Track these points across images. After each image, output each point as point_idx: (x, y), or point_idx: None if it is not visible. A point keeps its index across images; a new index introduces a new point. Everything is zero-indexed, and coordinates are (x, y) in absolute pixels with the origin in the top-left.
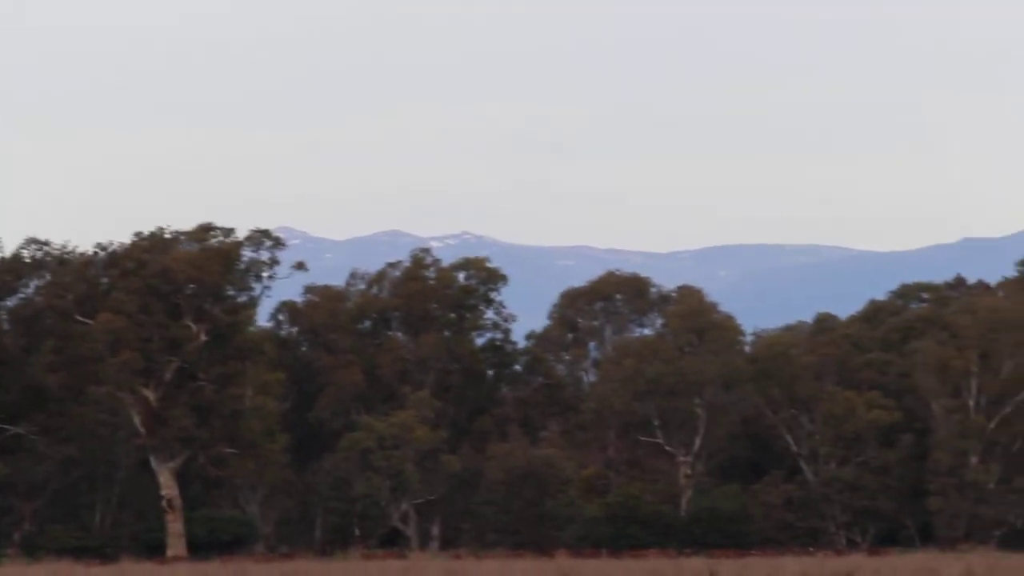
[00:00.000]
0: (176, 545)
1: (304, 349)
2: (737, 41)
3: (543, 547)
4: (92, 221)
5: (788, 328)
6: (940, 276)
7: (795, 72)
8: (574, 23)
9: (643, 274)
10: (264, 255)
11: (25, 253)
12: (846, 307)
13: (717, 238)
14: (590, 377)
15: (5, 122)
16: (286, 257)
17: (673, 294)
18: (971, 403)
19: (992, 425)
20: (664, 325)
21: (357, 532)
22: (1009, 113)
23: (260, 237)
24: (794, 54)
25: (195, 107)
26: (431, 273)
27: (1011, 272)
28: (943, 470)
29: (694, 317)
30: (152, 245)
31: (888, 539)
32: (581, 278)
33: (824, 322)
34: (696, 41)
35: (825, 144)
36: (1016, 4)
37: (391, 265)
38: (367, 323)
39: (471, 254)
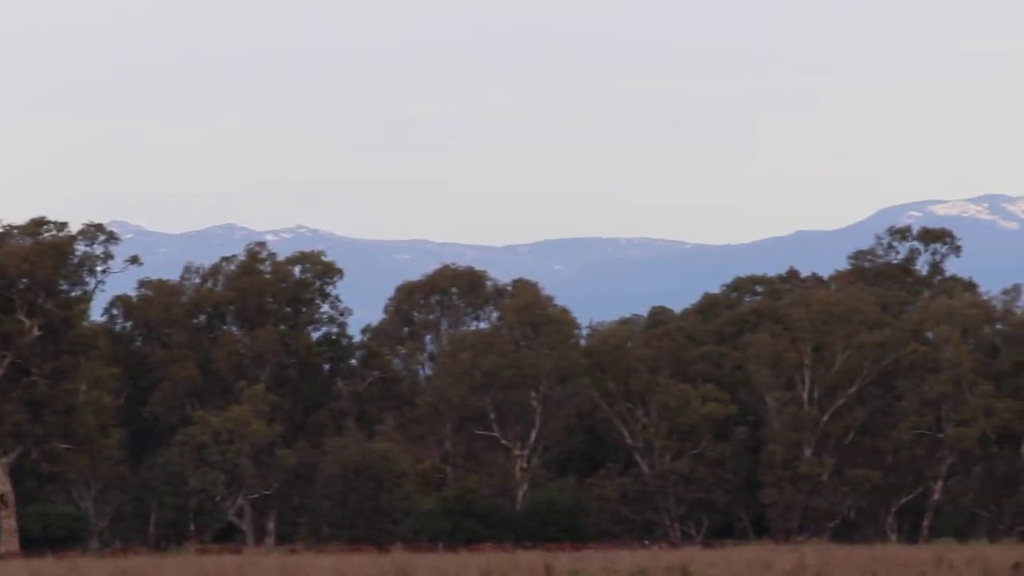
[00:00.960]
0: (9, 541)
1: (138, 343)
2: (569, 29)
3: (379, 541)
4: None
5: (623, 321)
6: (774, 269)
7: (626, 61)
8: (410, 16)
9: (479, 268)
10: (98, 249)
11: None
12: (681, 300)
13: (552, 232)
14: (426, 371)
15: None
16: (120, 251)
17: (509, 288)
18: (804, 396)
19: (825, 417)
20: (500, 319)
21: (192, 527)
22: (841, 108)
23: (94, 231)
24: (626, 42)
25: (26, 99)
26: (266, 267)
27: (843, 265)
28: (777, 462)
29: (529, 311)
30: None
31: (723, 531)
32: (417, 272)
33: (659, 315)
34: (521, 29)
35: (652, 136)
36: None
37: (226, 259)
38: (202, 317)
39: (307, 248)
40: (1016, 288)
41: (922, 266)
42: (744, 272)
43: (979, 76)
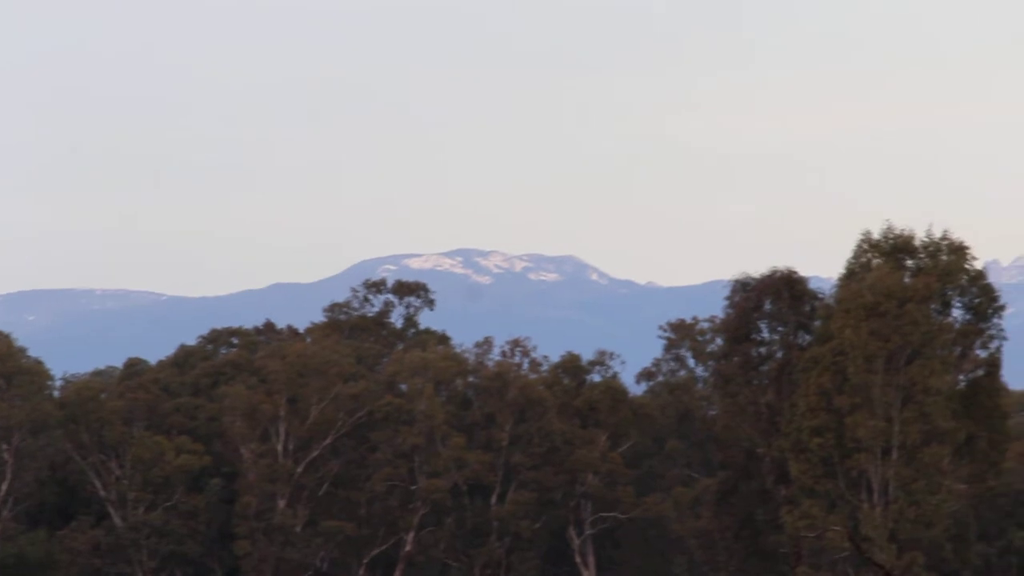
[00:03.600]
0: None
1: None
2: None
3: None
4: None
5: (98, 373)
6: (250, 321)
7: (129, 104)
8: None
9: None
10: None
11: None
12: (156, 352)
13: (26, 283)
14: None
15: None
16: None
17: None
18: (279, 447)
19: (300, 469)
20: None
21: None
22: (312, 163)
23: None
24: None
25: None
26: None
27: (319, 317)
28: (251, 514)
29: (1, 362)
30: None
31: None
32: None
33: (134, 367)
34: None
35: (129, 186)
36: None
37: None
38: None
39: None
40: (488, 341)
41: (397, 319)
42: (220, 324)
43: (442, 136)
